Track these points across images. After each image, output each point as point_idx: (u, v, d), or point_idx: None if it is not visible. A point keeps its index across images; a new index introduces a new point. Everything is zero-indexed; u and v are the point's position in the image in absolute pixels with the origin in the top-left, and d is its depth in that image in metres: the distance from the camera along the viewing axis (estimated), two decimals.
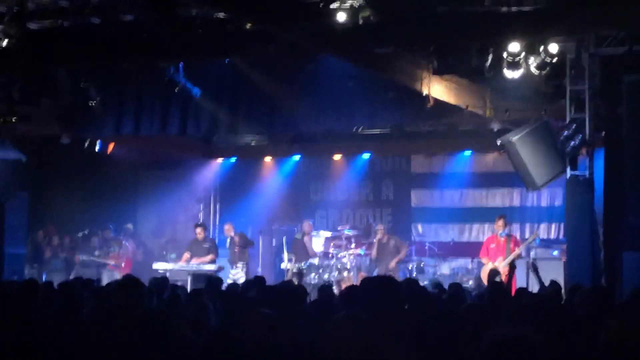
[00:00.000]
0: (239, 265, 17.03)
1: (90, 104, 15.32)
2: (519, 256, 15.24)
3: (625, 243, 12.27)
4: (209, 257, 16.86)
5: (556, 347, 4.61)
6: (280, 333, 5.90)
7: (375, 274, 16.54)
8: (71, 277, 16.36)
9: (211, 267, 16.34)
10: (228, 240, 17.57)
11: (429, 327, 5.27)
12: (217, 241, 18.52)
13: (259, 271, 19.27)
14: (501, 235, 15.35)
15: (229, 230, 17.77)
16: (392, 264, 17.16)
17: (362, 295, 6.67)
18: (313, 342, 5.21)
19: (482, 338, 3.13)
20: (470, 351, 4.46)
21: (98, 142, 18.22)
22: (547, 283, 10.09)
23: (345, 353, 3.56)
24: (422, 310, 6.98)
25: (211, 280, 12.37)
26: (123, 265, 18.18)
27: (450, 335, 5.22)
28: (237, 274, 16.64)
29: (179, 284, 12.85)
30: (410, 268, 17.65)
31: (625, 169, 12.36)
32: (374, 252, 17.57)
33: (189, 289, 14.04)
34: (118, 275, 16.70)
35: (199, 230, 17.38)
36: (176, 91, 14.21)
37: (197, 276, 15.73)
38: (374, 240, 17.61)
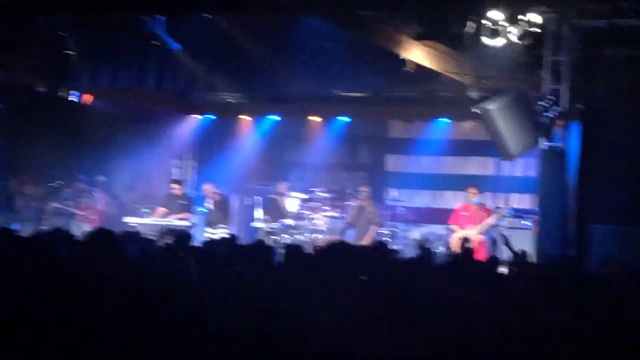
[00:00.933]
0: (220, 227, 16.92)
1: (67, 54, 15.19)
2: (490, 225, 15.35)
3: (596, 215, 12.40)
4: (184, 215, 16.78)
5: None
6: (249, 292, 5.94)
7: (351, 237, 16.50)
8: (43, 227, 16.31)
9: (186, 224, 16.30)
10: (211, 201, 17.33)
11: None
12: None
13: (232, 229, 19.30)
14: (473, 204, 15.44)
15: (209, 190, 17.48)
16: (368, 238, 16.49)
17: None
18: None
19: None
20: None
21: (74, 92, 18.06)
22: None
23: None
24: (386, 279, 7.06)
25: (180, 235, 12.39)
26: (94, 217, 18.10)
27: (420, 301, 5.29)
28: (215, 234, 16.53)
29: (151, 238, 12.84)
30: (383, 233, 17.69)
31: (599, 142, 12.46)
32: (351, 215, 17.22)
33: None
34: (87, 227, 16.64)
35: (176, 186, 17.18)
36: (154, 44, 14.08)
37: (168, 232, 15.68)
38: (355, 204, 17.18)
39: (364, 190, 17.21)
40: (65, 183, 18.54)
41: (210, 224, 17.08)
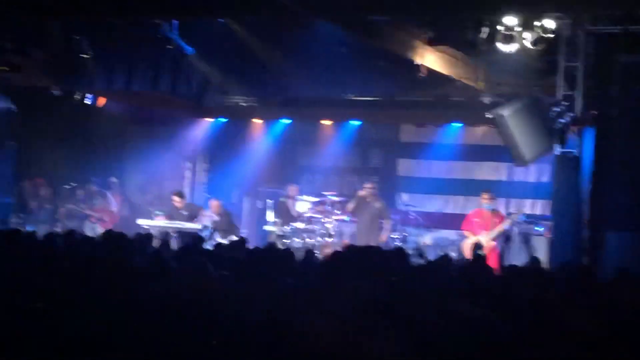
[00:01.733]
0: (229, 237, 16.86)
1: (81, 57, 15.24)
2: (502, 231, 15.29)
3: (610, 223, 12.35)
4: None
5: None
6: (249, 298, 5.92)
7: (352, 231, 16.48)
8: (56, 228, 16.37)
9: (196, 226, 16.28)
10: (214, 217, 17.08)
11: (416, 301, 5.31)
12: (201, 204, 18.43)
13: (244, 232, 19.32)
14: (486, 210, 15.39)
15: (215, 207, 17.21)
16: (383, 237, 16.61)
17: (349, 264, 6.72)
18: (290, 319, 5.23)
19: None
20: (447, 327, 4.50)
21: (89, 95, 18.11)
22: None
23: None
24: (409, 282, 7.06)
25: (195, 239, 12.46)
26: (106, 219, 18.15)
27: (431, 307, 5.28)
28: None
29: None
30: (393, 237, 17.67)
31: (613, 148, 12.41)
32: (350, 205, 17.05)
33: (173, 247, 14.15)
34: (100, 229, 16.67)
35: (176, 198, 16.94)
36: (169, 48, 14.10)
37: (181, 234, 15.72)
38: (357, 195, 17.02)
39: (368, 185, 17.13)
40: (79, 185, 18.60)
41: (220, 232, 16.93)
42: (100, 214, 18.19)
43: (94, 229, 17.06)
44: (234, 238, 16.30)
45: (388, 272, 6.24)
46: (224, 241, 16.30)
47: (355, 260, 7.26)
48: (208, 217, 16.89)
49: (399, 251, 9.06)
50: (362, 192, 16.97)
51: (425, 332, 4.70)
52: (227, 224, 17.04)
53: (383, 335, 4.20)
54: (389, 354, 4.03)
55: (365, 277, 6.00)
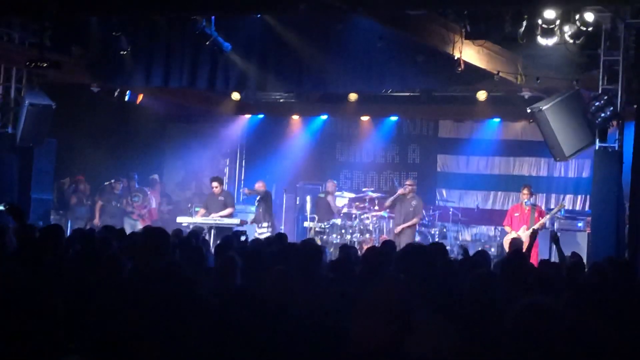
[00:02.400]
0: (264, 224, 16.95)
1: (120, 54, 15.34)
2: (543, 226, 15.18)
3: None
4: (227, 211, 16.65)
5: (574, 317, 4.58)
6: (293, 291, 5.93)
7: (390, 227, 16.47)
8: (96, 225, 16.51)
9: (234, 221, 16.32)
10: (258, 198, 17.27)
11: (457, 292, 5.27)
12: (237, 197, 18.49)
13: (282, 229, 19.35)
14: (526, 205, 15.28)
15: (260, 187, 17.39)
16: (398, 228, 16.62)
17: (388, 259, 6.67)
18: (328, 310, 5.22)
19: (508, 307, 3.12)
20: (494, 320, 4.46)
21: (127, 92, 18.24)
22: (568, 254, 10.04)
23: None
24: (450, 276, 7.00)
25: (237, 235, 12.49)
26: (146, 215, 18.25)
27: (476, 301, 5.23)
28: (262, 233, 16.57)
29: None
30: (432, 233, 17.63)
31: None
32: (388, 202, 17.10)
33: (211, 243, 14.21)
34: (140, 226, 16.79)
35: (215, 184, 16.93)
36: (207, 44, 14.11)
37: (219, 230, 15.76)
38: (399, 190, 17.01)
39: (409, 183, 17.14)
40: (118, 182, 18.72)
41: (257, 221, 17.05)
42: (140, 210, 18.28)
43: (135, 226, 17.18)
44: (267, 227, 16.49)
45: (427, 267, 6.18)
46: (260, 232, 16.44)
47: (392, 255, 7.22)
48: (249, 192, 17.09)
49: (438, 246, 8.98)
50: (402, 190, 16.93)
51: (469, 326, 4.66)
52: (265, 205, 17.05)
53: (425, 331, 4.16)
54: (431, 350, 3.99)
55: (403, 272, 5.96)
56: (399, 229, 16.56)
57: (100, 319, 5.45)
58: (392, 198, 17.03)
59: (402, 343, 3.45)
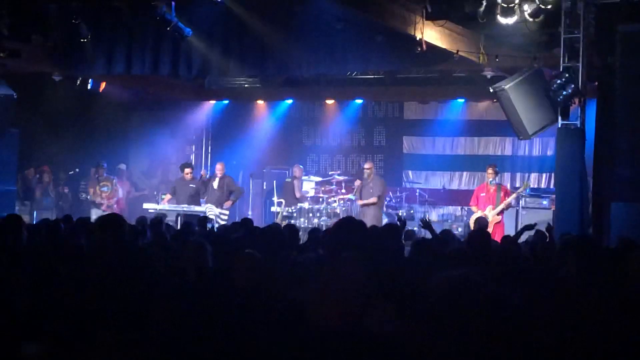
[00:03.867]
0: (225, 208, 16.82)
1: (81, 41, 15.15)
2: (509, 205, 15.29)
3: (614, 194, 12.27)
4: (197, 199, 16.66)
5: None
6: (264, 275, 5.93)
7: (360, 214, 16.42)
8: (61, 215, 16.37)
9: (200, 208, 16.27)
10: (217, 180, 17.07)
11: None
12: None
13: (250, 214, 19.35)
14: (491, 184, 15.36)
15: (220, 169, 17.10)
16: (359, 203, 16.48)
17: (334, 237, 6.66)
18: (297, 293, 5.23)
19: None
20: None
21: (90, 80, 18.08)
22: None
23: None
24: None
25: (201, 221, 12.47)
26: (115, 206, 18.08)
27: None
28: (224, 217, 16.52)
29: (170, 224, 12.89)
30: (399, 214, 17.67)
31: (616, 119, 12.31)
32: (355, 193, 16.85)
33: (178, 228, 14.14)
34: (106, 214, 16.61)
35: (188, 170, 16.93)
36: (168, 30, 13.99)
37: (186, 217, 15.70)
38: (357, 184, 16.79)
39: (367, 167, 16.92)
40: (83, 171, 18.59)
41: (217, 204, 16.73)
42: (109, 201, 18.01)
43: (100, 215, 16.99)
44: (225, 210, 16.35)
45: (385, 246, 6.21)
46: (219, 214, 16.34)
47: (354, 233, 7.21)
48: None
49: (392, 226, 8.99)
50: (358, 181, 16.82)
51: (425, 302, 4.67)
52: (223, 188, 16.87)
53: (384, 308, 4.18)
54: (390, 327, 4.01)
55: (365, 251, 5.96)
56: (360, 204, 16.50)
57: (62, 306, 5.41)
58: (355, 190, 16.90)
59: (360, 319, 3.47)
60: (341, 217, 17.29)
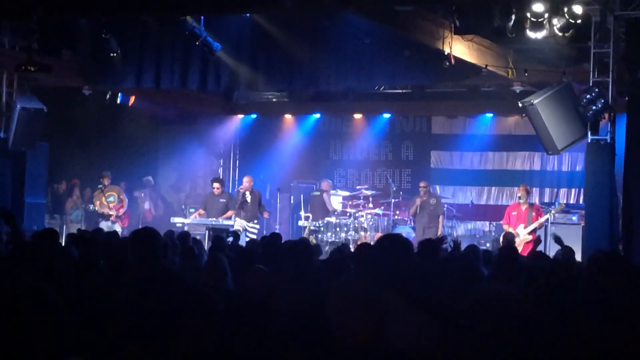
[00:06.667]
0: (255, 221, 16.78)
1: (111, 56, 15.25)
2: (541, 225, 15.11)
3: None
4: (229, 213, 16.55)
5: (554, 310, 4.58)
6: (275, 289, 5.92)
7: (414, 234, 16.40)
8: (91, 228, 16.41)
9: (229, 222, 16.26)
10: (247, 193, 16.73)
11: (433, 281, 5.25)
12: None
13: (277, 228, 19.31)
14: (523, 203, 15.19)
15: (248, 182, 16.82)
16: (440, 230, 16.54)
17: (373, 254, 6.63)
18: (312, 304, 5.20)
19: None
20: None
21: (119, 94, 18.20)
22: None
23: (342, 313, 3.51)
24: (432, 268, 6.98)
25: (232, 236, 12.46)
26: (123, 216, 17.79)
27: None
28: (254, 230, 16.48)
29: (198, 238, 12.90)
30: (456, 238, 17.52)
31: None
32: (412, 209, 16.97)
33: (206, 243, 14.17)
34: (119, 228, 16.62)
35: (217, 185, 16.77)
36: (197, 44, 14.07)
37: (215, 230, 15.71)
38: (417, 200, 16.88)
39: (422, 185, 16.99)
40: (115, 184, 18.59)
41: (248, 218, 16.69)
42: (118, 211, 17.73)
43: (112, 229, 16.82)
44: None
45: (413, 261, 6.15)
46: (251, 228, 16.30)
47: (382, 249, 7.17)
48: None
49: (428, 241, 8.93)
50: (419, 199, 16.85)
51: (450, 315, 4.64)
52: (256, 203, 16.80)
53: (408, 321, 4.14)
54: (414, 339, 3.97)
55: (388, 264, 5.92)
56: (440, 230, 16.50)
57: (100, 321, 5.42)
58: (414, 207, 16.91)
59: (381, 334, 3.43)
60: (368, 231, 17.29)
